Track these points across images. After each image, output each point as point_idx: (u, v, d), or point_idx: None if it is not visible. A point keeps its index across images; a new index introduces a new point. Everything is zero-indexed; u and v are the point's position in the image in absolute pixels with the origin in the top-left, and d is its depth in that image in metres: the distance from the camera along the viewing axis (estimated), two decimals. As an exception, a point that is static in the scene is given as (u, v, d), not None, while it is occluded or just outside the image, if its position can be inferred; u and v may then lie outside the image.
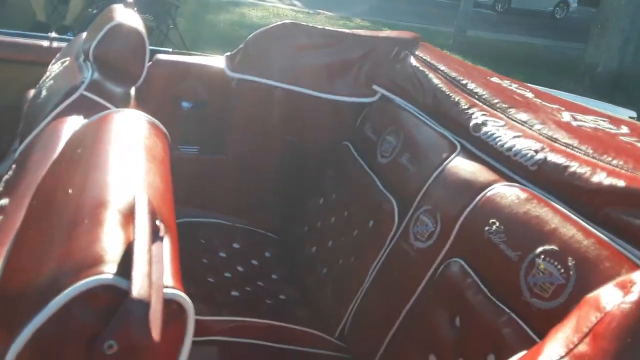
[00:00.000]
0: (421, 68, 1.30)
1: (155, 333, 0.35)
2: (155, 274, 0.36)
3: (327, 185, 1.41)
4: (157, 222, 0.43)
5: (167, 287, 0.39)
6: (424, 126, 1.19)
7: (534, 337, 0.76)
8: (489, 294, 0.85)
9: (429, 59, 1.33)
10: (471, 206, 0.95)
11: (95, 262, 0.38)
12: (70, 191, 0.44)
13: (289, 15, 8.35)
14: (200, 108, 1.43)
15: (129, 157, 0.48)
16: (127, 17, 1.04)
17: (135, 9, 1.29)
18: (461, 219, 0.96)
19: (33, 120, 0.85)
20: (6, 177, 0.68)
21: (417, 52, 1.37)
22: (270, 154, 1.48)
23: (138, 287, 0.35)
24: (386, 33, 1.46)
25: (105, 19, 1.02)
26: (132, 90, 1.01)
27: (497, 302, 0.83)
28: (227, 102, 1.44)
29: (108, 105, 0.86)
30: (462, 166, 1.04)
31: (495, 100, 1.11)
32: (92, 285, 0.37)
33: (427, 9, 12.96)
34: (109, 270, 0.38)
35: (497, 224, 0.88)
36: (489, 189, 0.95)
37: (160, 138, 0.56)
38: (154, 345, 0.35)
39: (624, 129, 1.03)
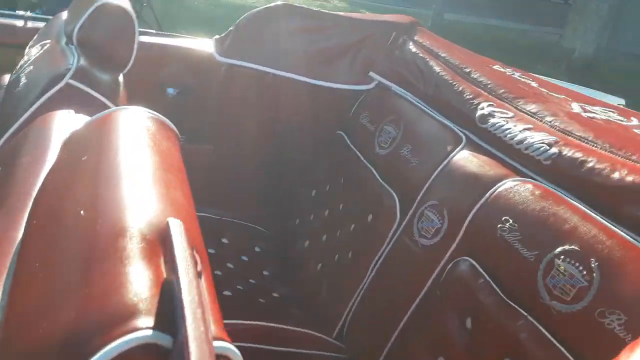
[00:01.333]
0: (421, 54, 1.25)
1: None
2: (203, 325, 0.29)
3: (320, 177, 1.36)
4: (195, 254, 0.36)
5: (215, 338, 0.32)
6: (426, 116, 1.14)
7: (554, 342, 0.73)
8: (503, 296, 0.81)
9: (428, 45, 1.27)
10: (481, 202, 0.91)
11: (127, 312, 0.30)
12: (82, 212, 0.36)
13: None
14: (186, 95, 1.35)
15: (146, 167, 0.41)
16: None
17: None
18: (470, 215, 0.92)
19: (12, 112, 0.76)
20: None
21: (415, 38, 1.31)
22: (260, 143, 1.41)
23: (193, 348, 0.27)
24: (383, 17, 1.40)
25: None
26: (121, 77, 0.93)
27: (512, 304, 0.80)
28: (215, 89, 1.37)
29: (97, 95, 0.79)
30: (469, 159, 0.99)
31: (502, 90, 1.06)
32: (128, 347, 0.29)
33: None
34: (146, 324, 0.30)
35: (511, 221, 0.84)
36: (500, 184, 0.90)
37: (172, 141, 0.50)
38: None
39: (635, 121, 1.00)
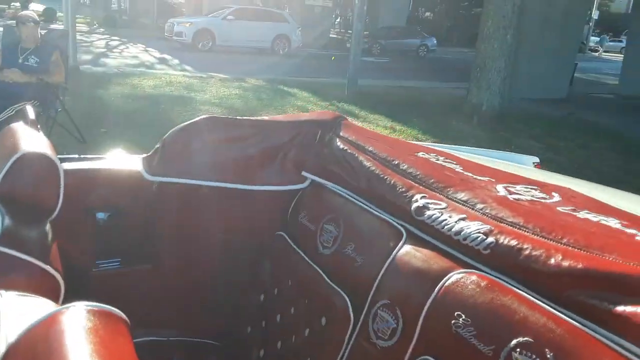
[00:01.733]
0: (349, 150, 1.29)
1: None
2: None
3: (267, 281, 1.33)
4: None
5: None
6: (364, 212, 1.16)
7: None
8: None
9: (355, 140, 1.32)
10: (431, 298, 0.92)
11: None
12: None
13: (182, 82, 8.25)
14: (117, 217, 1.30)
15: None
16: (33, 141, 0.92)
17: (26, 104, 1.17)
18: (423, 313, 0.92)
19: None
20: None
21: (341, 134, 1.36)
22: (201, 256, 1.38)
23: None
24: (307, 115, 1.44)
25: (6, 147, 0.90)
26: (47, 226, 0.89)
27: None
28: (148, 208, 1.33)
29: (27, 258, 0.74)
30: (412, 254, 1.01)
31: (432, 180, 1.11)
32: None
33: (320, 62, 13.49)
34: None
35: (464, 316, 0.86)
36: (446, 277, 0.92)
37: (122, 332, 0.47)
38: None
39: (556, 197, 1.07)
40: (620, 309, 0.71)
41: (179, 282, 1.36)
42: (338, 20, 24.47)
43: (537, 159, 2.20)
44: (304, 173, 1.35)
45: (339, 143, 1.33)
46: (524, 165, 2.14)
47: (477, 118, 7.61)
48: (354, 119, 7.11)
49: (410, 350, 0.93)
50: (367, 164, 1.23)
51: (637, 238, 0.85)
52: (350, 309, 1.06)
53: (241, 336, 1.34)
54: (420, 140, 6.12)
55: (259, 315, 1.32)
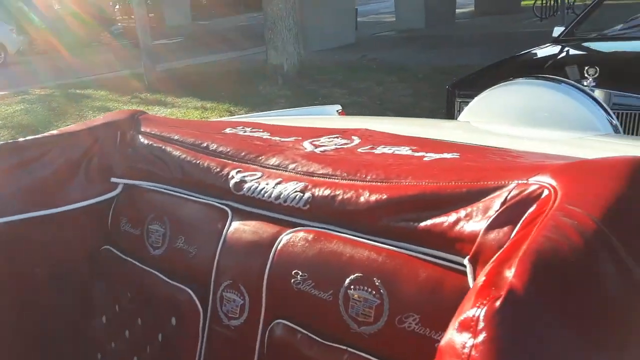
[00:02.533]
0: (155, 144, 1.24)
1: None
2: None
3: (103, 300, 1.26)
4: None
5: None
6: (186, 202, 1.15)
7: None
8: (322, 341, 0.87)
9: (158, 133, 1.27)
10: (268, 264, 0.96)
11: None
12: None
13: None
14: None
15: None
16: None
17: None
18: (264, 280, 0.95)
19: None
20: None
21: (142, 129, 1.30)
22: (25, 300, 1.24)
23: None
24: (101, 120, 1.35)
25: None
26: None
27: (333, 344, 0.86)
28: None
29: None
30: (241, 229, 1.03)
31: (243, 153, 1.12)
32: None
33: (107, 57, 12.57)
34: None
35: (300, 272, 0.91)
36: (277, 241, 0.96)
37: None
38: None
39: (356, 140, 1.16)
40: (423, 224, 0.81)
41: (9, 340, 1.22)
42: (117, 6, 22.90)
43: (339, 107, 2.35)
44: (112, 180, 1.28)
45: (142, 140, 1.28)
46: (330, 115, 2.27)
47: (282, 79, 7.83)
48: (163, 107, 6.85)
49: (261, 320, 0.96)
50: (177, 153, 1.20)
51: (424, 159, 0.97)
52: (197, 300, 1.05)
53: (94, 364, 1.26)
54: (234, 113, 6.14)
55: (106, 338, 1.24)
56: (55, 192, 1.23)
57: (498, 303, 0.45)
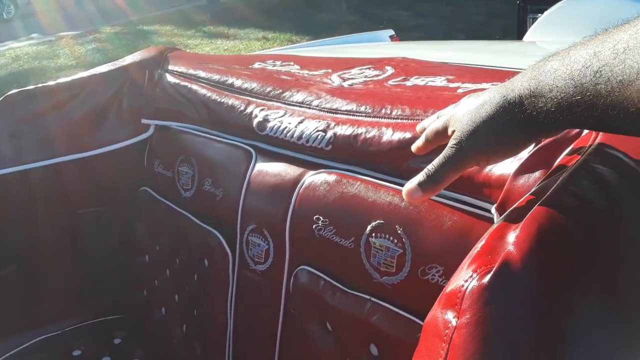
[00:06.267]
0: (182, 83, 1.20)
1: None
2: None
3: (145, 240, 1.27)
4: None
5: None
6: (211, 142, 1.11)
7: (401, 312, 0.75)
8: (345, 289, 0.83)
9: (185, 70, 1.22)
10: (291, 209, 0.91)
11: None
12: None
13: (30, 53, 7.46)
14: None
15: None
16: None
17: None
18: (287, 226, 0.91)
19: None
20: None
21: (170, 67, 1.26)
22: (63, 238, 1.28)
23: None
24: (130, 58, 1.31)
25: None
26: None
27: (355, 292, 0.81)
28: None
29: None
30: (265, 171, 0.98)
31: (268, 89, 1.06)
32: None
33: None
34: None
35: (322, 218, 0.85)
36: (299, 184, 0.90)
37: None
38: None
39: (389, 71, 1.05)
40: None
41: (56, 276, 1.27)
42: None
43: (392, 32, 2.19)
44: (143, 121, 1.25)
45: (169, 78, 1.23)
46: (381, 42, 2.13)
47: (345, 3, 7.52)
48: (225, 40, 6.81)
49: (286, 266, 0.92)
50: (202, 91, 1.15)
51: (459, 91, 0.86)
52: (225, 244, 1.03)
53: (139, 301, 1.30)
54: (295, 42, 5.99)
55: (149, 276, 1.27)
56: (88, 135, 1.23)
57: (488, 277, 0.36)
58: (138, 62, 1.28)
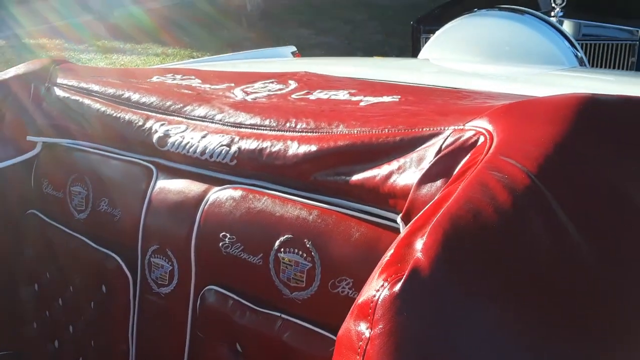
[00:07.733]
0: (72, 97, 1.12)
1: None
2: None
3: (33, 267, 1.17)
4: None
5: None
6: (107, 160, 1.04)
7: (313, 328, 0.74)
8: (255, 307, 0.80)
9: (76, 84, 1.15)
10: (195, 227, 0.87)
11: None
12: None
13: None
14: None
15: None
16: None
17: None
18: (192, 245, 0.87)
19: None
20: None
21: (59, 81, 1.17)
22: None
23: None
24: (12, 71, 1.21)
25: None
26: None
27: (266, 311, 0.79)
28: None
29: None
30: (167, 187, 0.94)
31: (168, 104, 1.01)
32: None
33: (53, 4, 11.81)
34: None
35: (229, 235, 0.82)
36: (204, 201, 0.87)
37: None
38: None
39: (292, 85, 1.05)
40: (355, 178, 0.73)
41: None
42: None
43: (294, 48, 2.21)
44: (29, 138, 1.16)
45: (58, 92, 1.15)
46: (283, 58, 2.14)
47: (246, 20, 7.52)
48: (122, 55, 6.53)
49: (192, 287, 0.89)
50: (96, 106, 1.08)
51: (361, 104, 0.87)
52: (125, 267, 0.97)
53: (29, 334, 1.18)
54: (197, 57, 5.87)
55: (40, 306, 1.16)
56: None
57: (399, 286, 0.37)
58: (21, 75, 1.19)
